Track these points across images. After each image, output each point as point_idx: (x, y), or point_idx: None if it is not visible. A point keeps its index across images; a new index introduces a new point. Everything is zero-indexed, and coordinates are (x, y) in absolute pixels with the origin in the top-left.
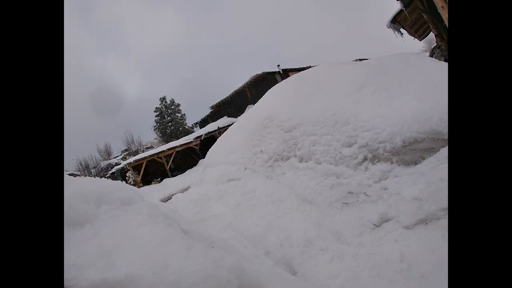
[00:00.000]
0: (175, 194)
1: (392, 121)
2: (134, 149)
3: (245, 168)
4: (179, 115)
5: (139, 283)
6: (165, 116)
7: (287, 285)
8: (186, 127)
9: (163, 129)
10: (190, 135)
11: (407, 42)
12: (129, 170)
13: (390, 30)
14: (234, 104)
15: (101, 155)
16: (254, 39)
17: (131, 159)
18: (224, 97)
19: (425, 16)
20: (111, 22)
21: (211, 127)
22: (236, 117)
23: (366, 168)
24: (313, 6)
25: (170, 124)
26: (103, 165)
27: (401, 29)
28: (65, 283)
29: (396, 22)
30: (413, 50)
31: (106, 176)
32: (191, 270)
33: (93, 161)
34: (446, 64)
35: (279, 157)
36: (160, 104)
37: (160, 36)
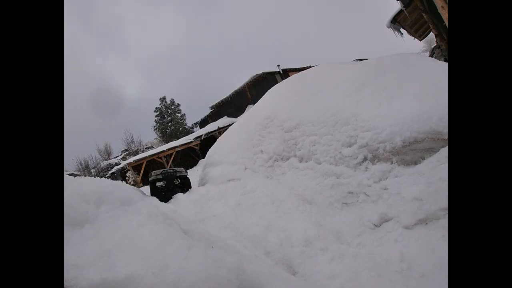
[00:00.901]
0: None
1: (392, 121)
2: (134, 149)
3: (245, 168)
4: (179, 115)
5: (139, 283)
6: (165, 116)
7: (287, 285)
8: (186, 127)
9: (163, 129)
10: (190, 135)
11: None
12: (129, 170)
13: (390, 30)
14: (234, 104)
15: (101, 155)
16: (254, 39)
17: (131, 159)
18: (224, 97)
19: (425, 16)
20: (111, 22)
21: (211, 127)
22: (236, 117)
23: (366, 168)
24: (313, 6)
25: (170, 124)
26: (103, 165)
27: (401, 29)
28: (65, 283)
29: (396, 22)
30: (413, 50)
31: (106, 176)
32: (191, 270)
33: (93, 161)
34: (446, 64)
35: (279, 157)
36: (160, 104)
37: (160, 36)
